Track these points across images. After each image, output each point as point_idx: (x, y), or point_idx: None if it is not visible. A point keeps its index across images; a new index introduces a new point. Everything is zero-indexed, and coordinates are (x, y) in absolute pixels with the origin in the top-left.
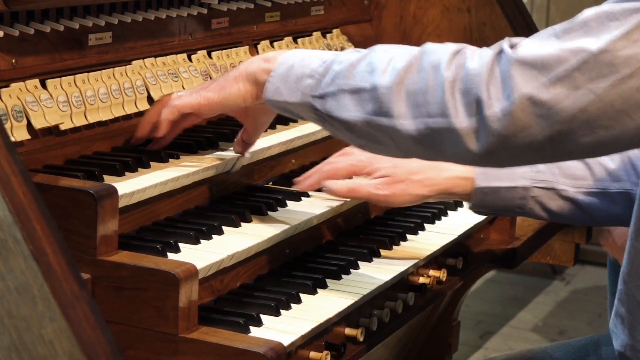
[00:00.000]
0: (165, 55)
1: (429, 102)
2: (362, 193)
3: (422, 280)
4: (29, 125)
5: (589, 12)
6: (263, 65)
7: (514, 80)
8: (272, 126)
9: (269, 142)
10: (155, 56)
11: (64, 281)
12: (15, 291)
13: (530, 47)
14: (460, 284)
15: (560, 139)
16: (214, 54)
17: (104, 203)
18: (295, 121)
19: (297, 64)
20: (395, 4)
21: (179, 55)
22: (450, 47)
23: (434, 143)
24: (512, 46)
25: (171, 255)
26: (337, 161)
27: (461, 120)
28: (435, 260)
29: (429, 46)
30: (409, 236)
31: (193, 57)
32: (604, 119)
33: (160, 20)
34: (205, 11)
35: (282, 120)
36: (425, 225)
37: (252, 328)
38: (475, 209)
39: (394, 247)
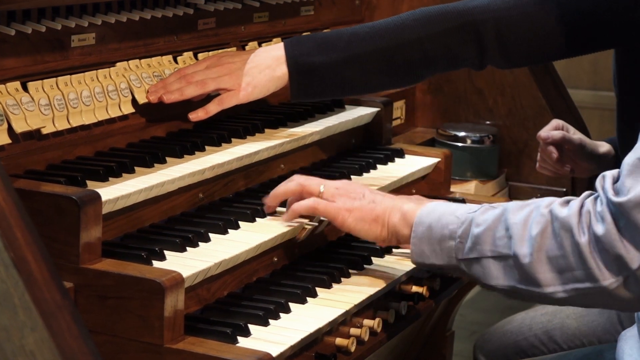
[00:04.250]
0: (150, 56)
1: (572, 267)
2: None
3: (414, 289)
4: (10, 129)
5: None
6: (403, 221)
7: None
8: (261, 130)
9: (257, 146)
10: (140, 58)
11: (45, 290)
12: None
13: (637, 186)
14: (455, 292)
15: None
16: (200, 55)
17: (87, 209)
18: (284, 125)
19: (434, 224)
20: (387, 4)
21: (164, 57)
22: (574, 206)
23: (586, 301)
24: (616, 192)
25: (156, 263)
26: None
27: (609, 280)
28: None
29: (555, 207)
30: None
31: (179, 58)
32: None
33: (144, 20)
34: (191, 11)
35: (271, 124)
36: None
37: (239, 338)
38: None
39: (386, 255)
